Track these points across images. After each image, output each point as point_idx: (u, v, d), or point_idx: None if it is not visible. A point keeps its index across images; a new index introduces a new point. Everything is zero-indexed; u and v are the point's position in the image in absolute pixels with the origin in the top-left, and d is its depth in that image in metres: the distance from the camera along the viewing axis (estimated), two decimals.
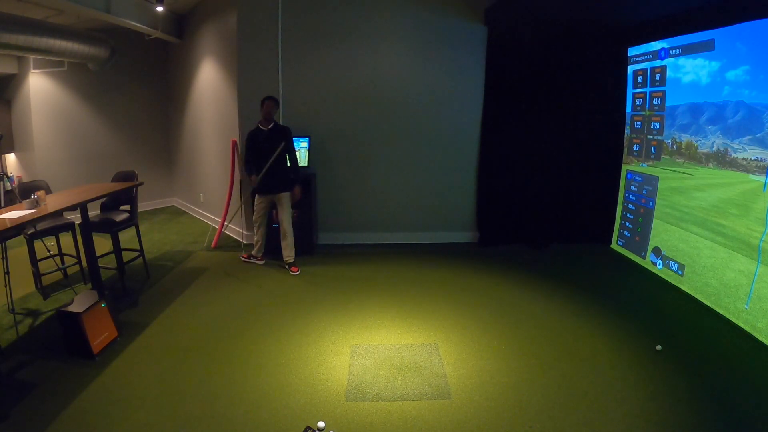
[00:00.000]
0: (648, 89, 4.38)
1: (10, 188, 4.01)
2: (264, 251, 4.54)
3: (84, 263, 3.85)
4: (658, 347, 2.92)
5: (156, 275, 4.25)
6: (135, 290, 3.90)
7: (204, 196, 6.25)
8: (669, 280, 4.04)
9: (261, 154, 4.13)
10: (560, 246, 5.05)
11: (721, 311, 3.42)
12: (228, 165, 5.07)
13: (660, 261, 4.20)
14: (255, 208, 4.36)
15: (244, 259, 4.58)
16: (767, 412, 2.35)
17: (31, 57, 5.61)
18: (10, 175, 5.54)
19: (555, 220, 5.10)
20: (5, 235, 3.09)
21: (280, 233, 4.35)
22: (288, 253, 4.35)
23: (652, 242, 4.32)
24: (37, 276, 3.76)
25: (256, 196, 4.32)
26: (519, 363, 2.79)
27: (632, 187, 4.67)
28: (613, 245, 4.97)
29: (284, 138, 4.15)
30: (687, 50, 3.86)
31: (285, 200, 4.25)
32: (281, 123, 5.05)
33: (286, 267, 4.36)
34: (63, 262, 4.14)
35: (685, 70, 3.91)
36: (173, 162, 7.10)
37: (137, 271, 4.25)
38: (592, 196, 5.02)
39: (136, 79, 6.52)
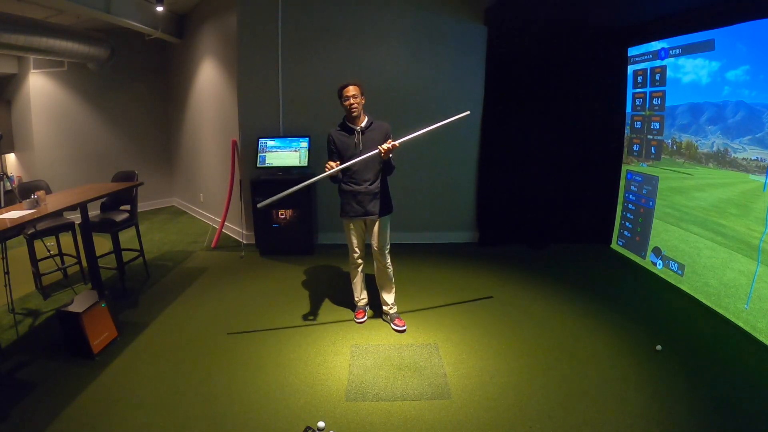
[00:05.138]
0: (648, 89, 4.38)
1: (10, 188, 4.02)
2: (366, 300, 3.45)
3: (84, 263, 3.86)
4: (658, 347, 2.92)
5: (156, 275, 4.25)
6: (135, 290, 3.90)
7: (204, 196, 6.26)
8: (669, 280, 4.04)
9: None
10: (560, 246, 5.04)
11: (721, 311, 3.41)
12: (228, 165, 5.07)
13: (660, 261, 4.19)
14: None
15: (358, 320, 3.31)
16: (767, 412, 2.35)
17: (31, 57, 5.62)
18: (10, 175, 5.55)
19: (555, 220, 5.09)
20: (5, 235, 3.09)
21: (378, 274, 3.29)
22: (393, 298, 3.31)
23: (652, 242, 4.32)
24: (37, 276, 3.76)
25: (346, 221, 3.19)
26: (519, 363, 2.79)
27: (632, 187, 4.67)
28: (613, 245, 4.97)
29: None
30: (687, 50, 3.85)
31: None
32: (282, 123, 5.08)
33: (387, 319, 3.32)
34: (63, 262, 4.14)
35: (685, 70, 3.90)
36: (173, 162, 7.10)
37: (137, 271, 4.26)
38: (592, 196, 5.01)
39: (136, 79, 6.53)
